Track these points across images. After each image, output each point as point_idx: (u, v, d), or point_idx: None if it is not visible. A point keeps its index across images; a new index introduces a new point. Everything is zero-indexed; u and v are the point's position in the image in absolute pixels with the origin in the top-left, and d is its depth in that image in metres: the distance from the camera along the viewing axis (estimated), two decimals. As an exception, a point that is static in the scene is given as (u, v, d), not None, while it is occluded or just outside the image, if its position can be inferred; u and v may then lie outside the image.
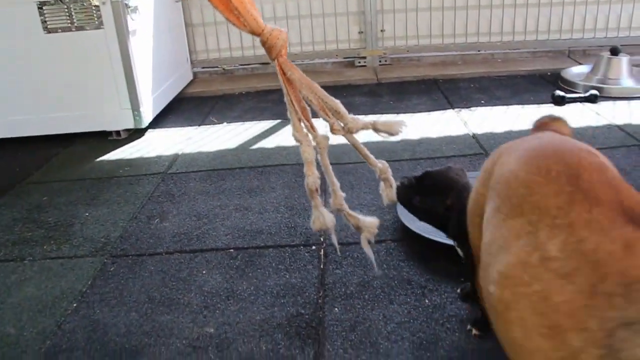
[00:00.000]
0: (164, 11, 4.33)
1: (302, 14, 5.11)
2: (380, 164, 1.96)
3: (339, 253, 2.31)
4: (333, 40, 5.21)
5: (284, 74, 1.68)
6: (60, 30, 3.52)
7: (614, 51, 4.39)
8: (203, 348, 1.84)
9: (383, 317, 1.93)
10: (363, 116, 3.96)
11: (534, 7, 5.22)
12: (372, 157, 1.95)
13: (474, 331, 1.83)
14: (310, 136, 1.77)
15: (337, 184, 1.86)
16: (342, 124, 1.81)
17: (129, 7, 3.54)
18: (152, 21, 4.03)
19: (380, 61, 5.25)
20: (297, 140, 1.75)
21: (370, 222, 1.84)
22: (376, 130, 1.86)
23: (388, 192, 1.97)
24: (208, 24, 5.09)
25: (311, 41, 5.20)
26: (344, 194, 1.88)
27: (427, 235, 2.27)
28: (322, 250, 2.36)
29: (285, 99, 1.72)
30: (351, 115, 1.82)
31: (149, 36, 3.96)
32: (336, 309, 1.98)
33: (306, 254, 2.33)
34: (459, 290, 2.04)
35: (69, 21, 3.50)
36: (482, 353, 1.75)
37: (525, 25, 5.27)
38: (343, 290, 2.08)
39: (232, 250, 2.40)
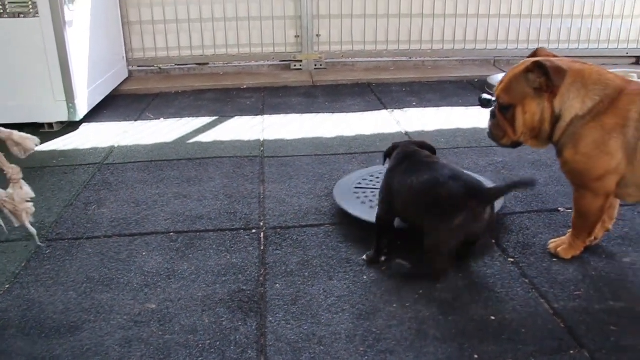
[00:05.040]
0: (101, 5, 4.28)
1: (240, 16, 5.15)
2: (11, 169, 1.82)
3: (279, 236, 2.36)
4: (270, 43, 5.27)
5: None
6: (-8, 18, 3.44)
7: (537, 60, 4.64)
8: (145, 322, 1.84)
9: (323, 291, 1.99)
10: (296, 115, 4.04)
11: (462, 18, 5.46)
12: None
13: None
14: None
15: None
16: None
17: (66, -4, 3.50)
18: (89, 14, 3.99)
19: (315, 65, 5.35)
20: None
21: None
22: (11, 142, 1.80)
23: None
24: (145, 23, 5.05)
25: (248, 43, 5.24)
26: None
27: (365, 218, 2.35)
28: (262, 233, 2.40)
29: None
30: None
31: (85, 29, 3.91)
32: (277, 285, 2.03)
33: (247, 237, 2.37)
34: (364, 257, 2.18)
35: (1, 8, 3.41)
36: (418, 321, 1.83)
37: (454, 34, 5.49)
38: (284, 268, 2.14)
39: (172, 233, 2.41)
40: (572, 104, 1.98)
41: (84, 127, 3.84)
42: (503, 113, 2.11)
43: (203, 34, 5.15)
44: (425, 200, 1.99)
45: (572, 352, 1.70)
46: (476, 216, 1.94)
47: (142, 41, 5.09)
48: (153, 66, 5.22)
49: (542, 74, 1.97)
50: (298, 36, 5.28)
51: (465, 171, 2.09)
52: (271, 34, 5.24)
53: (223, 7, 5.10)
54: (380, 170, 2.87)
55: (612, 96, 1.94)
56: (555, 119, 2.03)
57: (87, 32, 3.95)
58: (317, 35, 5.29)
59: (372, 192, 2.62)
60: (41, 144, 3.45)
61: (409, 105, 4.29)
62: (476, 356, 1.68)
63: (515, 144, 2.18)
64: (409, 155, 2.16)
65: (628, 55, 5.88)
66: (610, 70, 2.04)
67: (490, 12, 5.50)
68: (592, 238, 2.23)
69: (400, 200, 2.08)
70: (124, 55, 4.93)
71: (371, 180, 2.76)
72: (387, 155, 2.28)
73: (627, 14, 5.77)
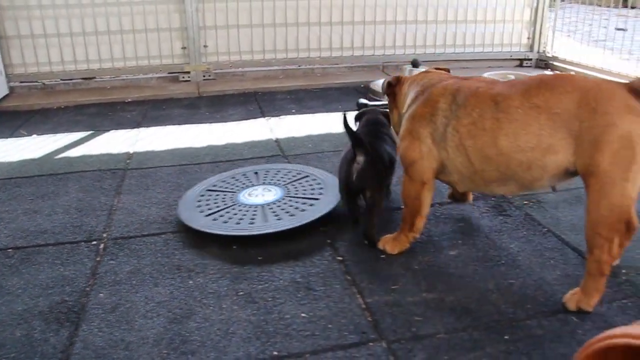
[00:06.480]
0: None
1: (124, 29, 5.13)
2: None
3: (117, 246, 2.38)
4: (157, 56, 5.27)
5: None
6: None
7: (415, 64, 4.81)
8: (-45, 340, 1.83)
9: (145, 298, 2.03)
10: (174, 127, 4.07)
11: (349, 25, 5.61)
12: None
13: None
14: None
15: None
16: None
17: None
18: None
19: (204, 76, 5.37)
20: None
21: None
22: None
23: None
24: (24, 37, 4.95)
25: (134, 56, 5.22)
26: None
27: (206, 230, 2.40)
28: (102, 244, 2.41)
29: None
30: None
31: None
32: (101, 294, 2.05)
33: (85, 249, 2.38)
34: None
35: None
36: (230, 322, 1.89)
37: (342, 41, 5.63)
38: (113, 277, 2.16)
39: (10, 249, 2.39)
40: (404, 105, 2.33)
41: (-51, 146, 3.75)
42: None
43: (87, 47, 5.09)
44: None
45: (371, 344, 1.79)
46: (348, 170, 2.31)
47: (23, 56, 4.99)
48: (36, 82, 5.12)
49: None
50: (185, 47, 5.29)
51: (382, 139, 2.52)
52: (157, 46, 5.24)
53: (106, 20, 5.06)
54: (229, 175, 2.93)
55: (424, 90, 2.19)
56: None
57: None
58: (205, 46, 5.32)
59: (214, 200, 2.68)
60: None
61: (288, 113, 4.38)
62: (275, 353, 1.74)
63: None
64: (367, 125, 2.64)
65: (512, 58, 6.18)
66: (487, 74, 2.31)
67: (376, 19, 5.67)
68: (416, 234, 2.33)
69: None
70: (2, 70, 4.83)
71: (221, 185, 2.82)
72: (357, 119, 2.77)
73: (509, 18, 6.06)
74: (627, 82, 1.86)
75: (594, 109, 1.79)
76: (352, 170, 2.29)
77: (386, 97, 2.49)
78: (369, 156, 2.29)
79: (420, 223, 2.29)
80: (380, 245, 2.34)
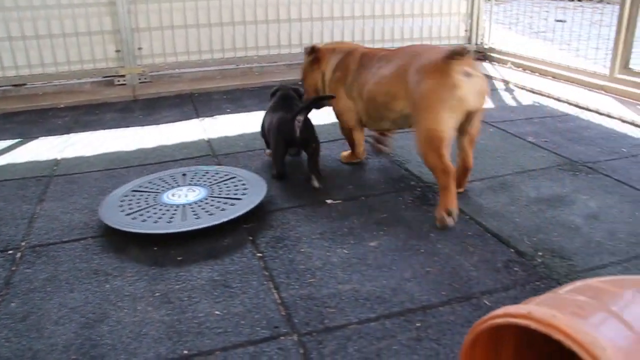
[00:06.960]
0: None
1: (53, 34, 5.01)
2: None
3: (34, 254, 2.33)
4: (90, 60, 5.17)
5: None
6: None
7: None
8: None
9: (59, 305, 1.99)
10: (106, 131, 4.01)
11: (285, 23, 5.61)
12: None
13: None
14: None
15: None
16: None
17: None
18: None
19: (140, 79, 5.30)
20: None
21: None
22: None
23: None
24: (-52, 46, 4.82)
25: (67, 61, 5.11)
26: None
27: (122, 228, 2.38)
28: (19, 253, 2.36)
29: None
30: None
31: None
32: (13, 304, 2.01)
33: (0, 259, 2.33)
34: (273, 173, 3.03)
35: None
36: (142, 324, 1.87)
37: (279, 39, 5.63)
38: (27, 286, 2.12)
39: None
40: (326, 68, 3.05)
41: None
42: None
43: (15, 53, 4.96)
44: (272, 127, 2.98)
45: (282, 338, 1.79)
46: (291, 128, 2.85)
47: (-53, 65, 4.85)
48: (-37, 91, 4.98)
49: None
50: (119, 50, 5.21)
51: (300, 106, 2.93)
52: (90, 50, 5.15)
53: (33, 25, 4.94)
54: (152, 178, 2.92)
55: (342, 57, 2.96)
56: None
57: None
58: (139, 49, 5.25)
59: (137, 201, 2.66)
60: None
61: (223, 113, 4.36)
62: (185, 352, 1.74)
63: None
64: (281, 98, 3.15)
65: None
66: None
67: (313, 15, 5.69)
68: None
69: (267, 128, 3.11)
70: None
71: (146, 187, 2.79)
72: (272, 95, 3.26)
73: (446, 11, 6.17)
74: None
75: (421, 69, 2.47)
76: (294, 127, 2.85)
77: (308, 58, 3.13)
78: (307, 117, 2.90)
79: (360, 154, 3.21)
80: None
